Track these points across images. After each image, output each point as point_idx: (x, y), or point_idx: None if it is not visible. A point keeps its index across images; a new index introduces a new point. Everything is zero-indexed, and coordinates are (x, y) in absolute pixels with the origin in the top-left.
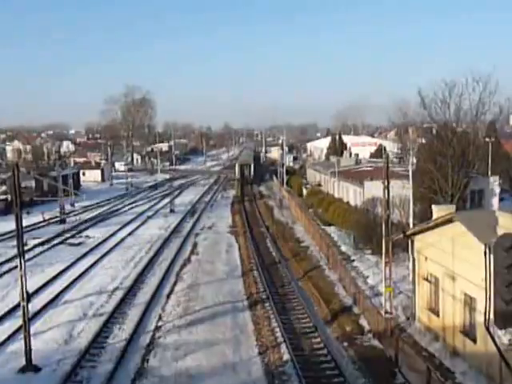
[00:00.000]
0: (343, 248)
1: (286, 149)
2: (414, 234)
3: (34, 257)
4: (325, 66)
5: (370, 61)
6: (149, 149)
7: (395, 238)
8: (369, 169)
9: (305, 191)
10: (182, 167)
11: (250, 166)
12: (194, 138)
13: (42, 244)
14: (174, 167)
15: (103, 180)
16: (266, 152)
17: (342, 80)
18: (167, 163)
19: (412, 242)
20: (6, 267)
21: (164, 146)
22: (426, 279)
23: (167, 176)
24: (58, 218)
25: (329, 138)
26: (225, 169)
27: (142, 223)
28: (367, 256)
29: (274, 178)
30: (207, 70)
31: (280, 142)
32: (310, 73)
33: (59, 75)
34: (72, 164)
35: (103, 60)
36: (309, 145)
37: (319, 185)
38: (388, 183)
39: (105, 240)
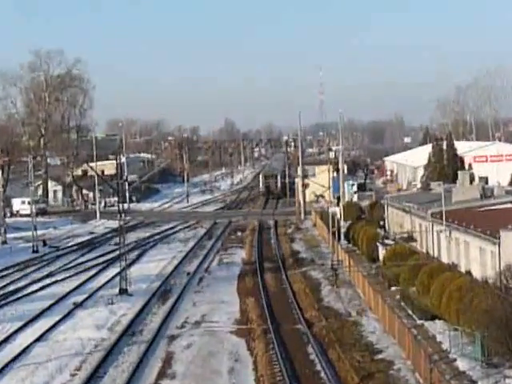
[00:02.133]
0: (461, 364)
1: (343, 168)
2: None
3: None
4: None
5: None
6: (78, 171)
7: None
8: (510, 207)
9: (382, 251)
10: (145, 206)
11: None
12: (166, 151)
13: None
14: (129, 207)
15: None
16: (304, 176)
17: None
18: (114, 199)
19: None
20: None
21: (108, 167)
22: None
23: (115, 224)
24: None
25: (427, 148)
26: (227, 209)
27: (65, 317)
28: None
29: (317, 219)
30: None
31: (330, 153)
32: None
33: None
34: None
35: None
36: (388, 161)
37: (410, 238)
38: None
39: None
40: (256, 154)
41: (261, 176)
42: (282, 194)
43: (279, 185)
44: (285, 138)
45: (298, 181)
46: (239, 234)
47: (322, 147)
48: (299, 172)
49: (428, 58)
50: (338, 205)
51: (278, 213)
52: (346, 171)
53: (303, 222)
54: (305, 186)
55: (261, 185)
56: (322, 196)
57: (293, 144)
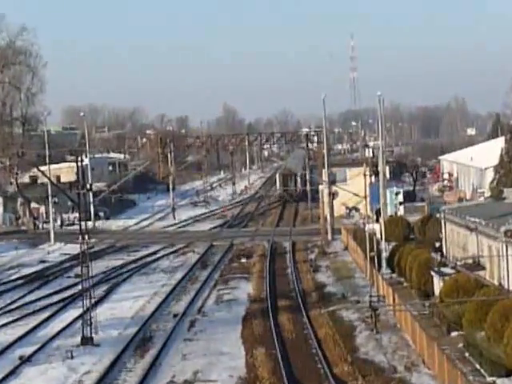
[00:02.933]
0: None
1: (384, 171)
2: None
3: None
4: None
5: None
6: (25, 178)
7: None
8: None
9: (438, 283)
10: (117, 224)
11: None
12: (145, 149)
13: None
14: (95, 225)
15: None
16: (330, 182)
17: None
18: (74, 215)
19: None
20: None
21: (65, 172)
22: None
23: (75, 249)
24: None
25: (499, 142)
26: (228, 227)
27: (8, 376)
28: None
29: (349, 240)
30: None
31: (367, 151)
32: None
33: None
34: None
35: None
36: (446, 161)
37: (476, 265)
38: None
39: None
40: (266, 153)
41: (277, 176)
42: (304, 197)
43: (299, 185)
44: (304, 130)
45: (323, 188)
46: (244, 261)
47: (354, 143)
48: (324, 176)
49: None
50: (377, 221)
51: (297, 231)
52: (388, 175)
53: (331, 244)
54: (332, 195)
55: (277, 185)
56: (356, 209)
57: (316, 139)
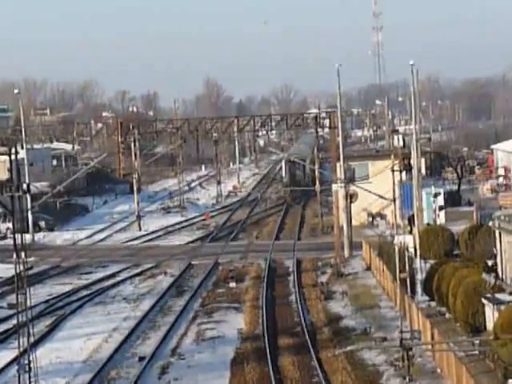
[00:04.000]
0: None
1: (419, 165)
2: None
3: None
4: None
5: None
6: None
7: None
8: None
9: (492, 313)
10: (64, 237)
11: None
12: (100, 137)
13: None
14: (35, 239)
15: None
16: (347, 180)
17: None
18: (7, 225)
19: None
20: None
21: None
22: None
23: (8, 271)
24: None
25: None
26: (211, 240)
27: None
28: None
29: (373, 257)
30: None
31: (395, 138)
32: None
33: None
34: None
35: None
36: (502, 151)
37: None
38: None
39: None
40: (262, 142)
41: (283, 163)
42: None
43: (309, 172)
44: (313, 111)
45: (338, 189)
46: (233, 285)
47: (379, 128)
48: (339, 173)
49: None
50: (410, 231)
51: (303, 246)
52: (424, 170)
53: (348, 262)
54: (350, 197)
55: (283, 173)
56: (382, 216)
57: (327, 122)
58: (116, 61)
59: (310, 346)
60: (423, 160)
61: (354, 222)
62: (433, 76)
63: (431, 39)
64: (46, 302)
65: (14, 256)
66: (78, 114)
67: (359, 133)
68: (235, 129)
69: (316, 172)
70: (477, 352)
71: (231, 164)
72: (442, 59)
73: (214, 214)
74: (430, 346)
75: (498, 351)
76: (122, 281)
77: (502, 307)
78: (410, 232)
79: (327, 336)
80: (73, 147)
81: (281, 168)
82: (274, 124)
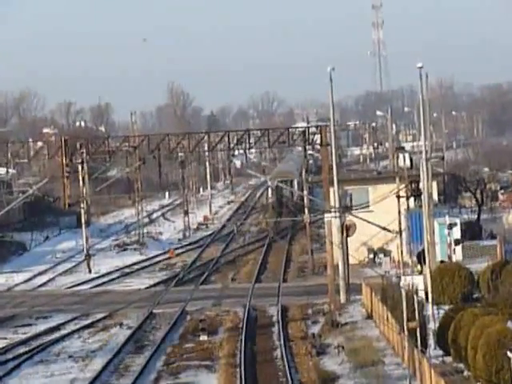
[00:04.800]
0: None
1: (430, 190)
2: None
3: None
4: None
5: None
6: None
7: None
8: None
9: None
10: None
11: None
12: (40, 159)
13: None
14: None
15: None
16: (343, 208)
17: None
18: None
19: None
20: None
21: None
22: None
23: None
24: None
25: None
26: (177, 283)
27: None
28: None
29: (375, 302)
30: None
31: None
32: None
33: None
34: None
35: None
36: None
37: None
38: None
39: None
40: (238, 163)
41: (269, 183)
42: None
43: (296, 199)
44: (300, 125)
45: (332, 219)
46: (205, 338)
47: (381, 144)
48: (333, 200)
49: None
50: (420, 271)
51: (290, 290)
52: (436, 196)
53: (345, 309)
54: (347, 229)
55: (269, 193)
56: (386, 252)
57: (318, 138)
58: (58, 67)
59: None
60: (435, 184)
61: (351, 260)
62: (445, 81)
63: (443, 37)
64: None
65: None
66: (13, 130)
67: (357, 151)
68: (206, 147)
69: (305, 199)
70: None
71: (201, 190)
72: (456, 61)
73: (181, 251)
74: None
75: None
76: (68, 334)
77: None
78: (420, 272)
79: None
80: (7, 171)
81: (262, 194)
82: (253, 141)
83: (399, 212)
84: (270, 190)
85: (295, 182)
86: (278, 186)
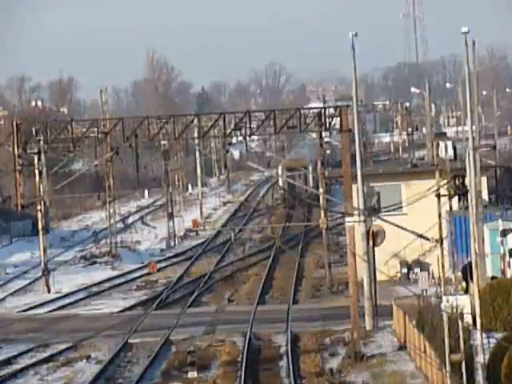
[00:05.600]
0: None
1: (478, 189)
2: None
3: None
4: None
5: None
6: None
7: None
8: None
9: None
10: None
11: None
12: None
13: None
14: None
15: None
16: (369, 211)
17: None
18: None
19: None
20: None
21: None
22: None
23: None
24: None
25: None
26: (158, 306)
27: None
28: None
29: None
30: None
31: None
32: None
33: None
34: None
35: None
36: None
37: None
38: None
39: None
40: (237, 154)
41: (280, 169)
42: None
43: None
44: (315, 105)
45: (354, 225)
46: (193, 375)
47: (416, 129)
48: (356, 200)
49: None
50: (466, 290)
51: (303, 313)
52: (486, 195)
53: (371, 336)
54: (373, 237)
55: (280, 183)
56: (422, 266)
57: (337, 122)
58: (6, 32)
59: None
60: (485, 179)
61: (379, 276)
62: (498, 51)
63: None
64: None
65: None
66: None
67: (386, 138)
68: (195, 133)
69: (321, 198)
70: None
71: (190, 188)
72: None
73: (164, 264)
74: None
75: None
76: (22, 370)
77: None
78: (466, 290)
79: None
80: None
81: (266, 193)
82: (255, 125)
83: (439, 215)
84: (280, 181)
85: (310, 176)
86: (290, 177)
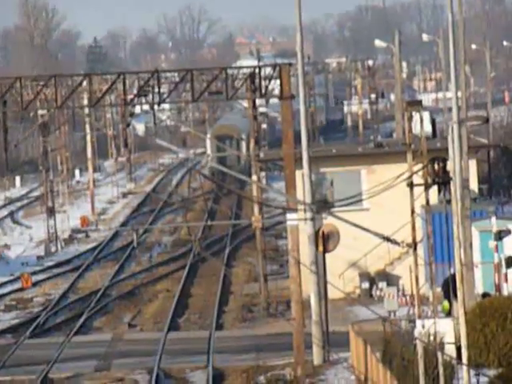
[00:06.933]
0: None
1: (463, 174)
2: None
3: None
4: None
5: None
6: None
7: None
8: None
9: None
10: None
11: None
12: None
13: None
14: None
15: None
16: (317, 205)
17: None
18: None
19: None
20: None
21: None
22: None
23: None
24: None
25: None
26: (34, 332)
27: None
28: None
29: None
30: None
31: (416, 118)
32: None
33: None
34: None
35: None
36: None
37: None
38: None
39: None
40: (141, 128)
41: (208, 140)
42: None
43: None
44: (246, 63)
45: (298, 224)
46: None
47: (382, 96)
48: (302, 190)
49: None
50: (448, 311)
51: (229, 342)
52: (475, 185)
53: (321, 373)
54: (324, 239)
55: (209, 154)
56: (389, 279)
57: (276, 86)
58: None
59: None
60: (474, 163)
61: (331, 293)
62: None
63: None
64: None
65: None
66: None
67: (344, 107)
68: (85, 100)
69: (254, 188)
70: None
71: (77, 174)
72: None
73: (42, 277)
74: None
75: None
76: None
77: None
78: (449, 312)
79: None
80: None
81: (181, 180)
82: (166, 90)
83: (412, 211)
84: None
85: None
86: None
